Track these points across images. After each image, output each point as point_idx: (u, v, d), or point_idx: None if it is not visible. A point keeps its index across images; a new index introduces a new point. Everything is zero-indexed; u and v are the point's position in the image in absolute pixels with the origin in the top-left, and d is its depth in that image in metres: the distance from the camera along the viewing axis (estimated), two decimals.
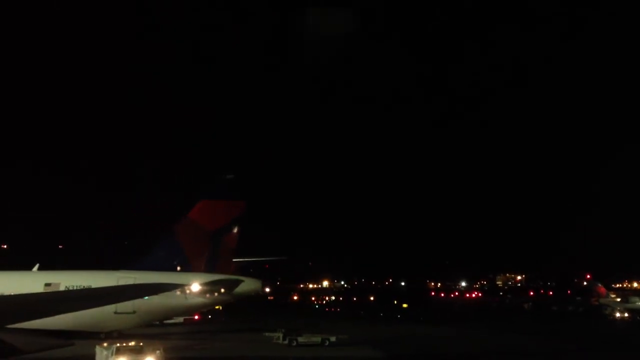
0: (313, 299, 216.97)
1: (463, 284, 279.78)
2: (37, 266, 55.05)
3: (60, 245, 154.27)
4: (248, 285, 53.92)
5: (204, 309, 55.86)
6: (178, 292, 51.33)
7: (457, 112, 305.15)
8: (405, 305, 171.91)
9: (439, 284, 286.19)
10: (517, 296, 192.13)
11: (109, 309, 50.47)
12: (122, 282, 51.08)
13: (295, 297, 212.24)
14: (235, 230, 55.74)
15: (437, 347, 73.94)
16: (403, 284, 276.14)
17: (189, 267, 53.84)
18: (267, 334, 76.99)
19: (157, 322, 64.40)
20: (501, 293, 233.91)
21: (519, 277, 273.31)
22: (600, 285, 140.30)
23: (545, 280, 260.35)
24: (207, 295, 51.99)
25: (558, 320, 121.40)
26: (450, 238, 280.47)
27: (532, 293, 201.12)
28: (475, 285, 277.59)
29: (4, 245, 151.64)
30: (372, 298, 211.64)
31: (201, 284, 50.53)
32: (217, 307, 75.27)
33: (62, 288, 49.42)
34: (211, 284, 50.34)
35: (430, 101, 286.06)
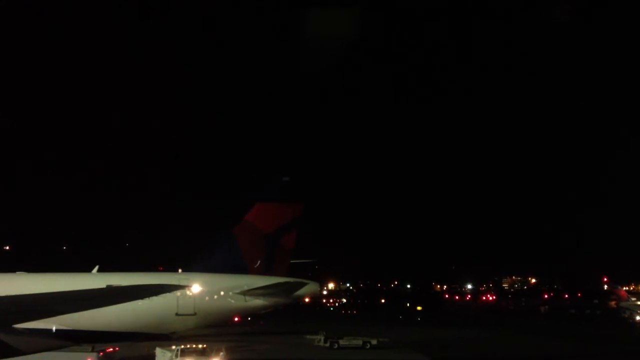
0: (324, 301, 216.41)
1: (469, 286, 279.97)
2: (96, 268, 54.96)
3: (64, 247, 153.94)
4: (309, 287, 53.99)
5: (263, 311, 55.66)
6: (238, 294, 51.34)
7: (463, 113, 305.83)
8: (419, 308, 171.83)
9: (445, 287, 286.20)
10: (532, 299, 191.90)
11: (171, 310, 50.62)
12: (182, 284, 51.20)
13: (306, 300, 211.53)
14: (293, 232, 55.67)
15: (479, 350, 74.15)
16: (409, 286, 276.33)
17: (247, 269, 53.78)
18: (308, 336, 77.28)
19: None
20: (510, 296, 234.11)
21: (533, 280, 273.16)
22: (621, 288, 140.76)
23: (552, 283, 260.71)
24: (267, 298, 51.96)
25: (585, 323, 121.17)
26: (455, 240, 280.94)
27: (546, 296, 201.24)
28: (482, 287, 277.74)
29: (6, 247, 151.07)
30: (383, 300, 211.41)
31: (266, 286, 50.46)
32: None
33: None
34: (276, 286, 50.24)
35: (435, 103, 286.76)
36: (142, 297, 40.52)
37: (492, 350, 74.64)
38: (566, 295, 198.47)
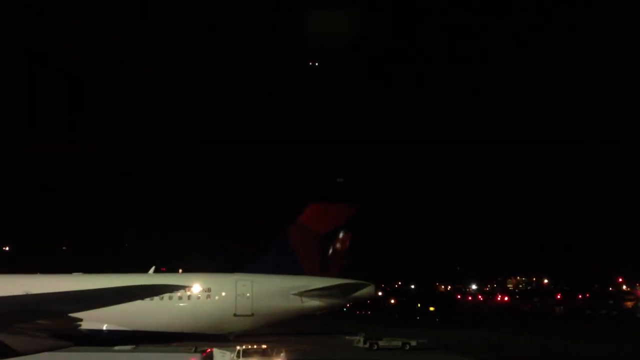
0: None
1: (473, 286, 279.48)
2: (152, 269, 54.37)
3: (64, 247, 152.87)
4: (368, 289, 53.50)
5: (319, 313, 55.19)
6: (295, 295, 50.87)
7: (464, 112, 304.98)
8: (432, 309, 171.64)
9: (449, 287, 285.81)
10: (545, 299, 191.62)
11: (229, 311, 50.22)
12: (239, 285, 51.00)
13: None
14: (347, 233, 55.21)
15: (521, 351, 73.88)
16: (413, 286, 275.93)
17: (301, 270, 53.33)
18: (346, 337, 77.09)
19: None
20: (517, 296, 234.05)
21: (546, 281, 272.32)
22: None
23: (557, 284, 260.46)
24: (324, 299, 51.52)
25: (605, 324, 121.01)
26: (459, 240, 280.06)
27: (558, 296, 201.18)
28: (486, 288, 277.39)
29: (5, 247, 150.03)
30: (392, 301, 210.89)
31: (326, 287, 50.01)
32: None
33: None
34: (336, 287, 49.78)
35: (438, 103, 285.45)
36: (143, 298, 39.97)
37: (535, 351, 74.29)
38: (580, 296, 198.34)
